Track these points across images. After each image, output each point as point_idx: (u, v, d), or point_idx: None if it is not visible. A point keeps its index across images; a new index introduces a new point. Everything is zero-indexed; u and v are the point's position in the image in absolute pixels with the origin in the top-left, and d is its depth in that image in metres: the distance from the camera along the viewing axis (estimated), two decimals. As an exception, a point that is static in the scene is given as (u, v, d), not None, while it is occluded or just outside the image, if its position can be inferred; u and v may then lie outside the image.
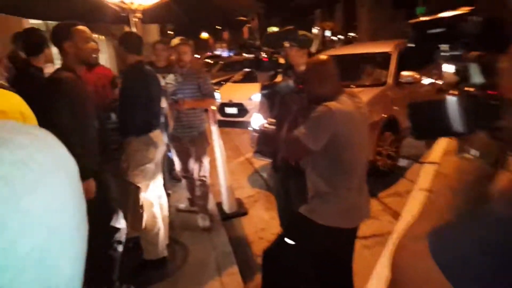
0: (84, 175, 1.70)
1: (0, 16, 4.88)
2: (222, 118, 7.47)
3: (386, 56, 5.20)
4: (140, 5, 3.62)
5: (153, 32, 8.73)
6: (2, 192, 0.30)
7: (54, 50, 2.45)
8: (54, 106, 2.10)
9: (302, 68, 2.17)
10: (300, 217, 1.89)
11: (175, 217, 3.69)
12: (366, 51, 5.89)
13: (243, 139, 6.35)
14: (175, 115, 3.49)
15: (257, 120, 4.87)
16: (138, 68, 2.78)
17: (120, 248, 2.46)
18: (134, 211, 2.81)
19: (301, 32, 2.49)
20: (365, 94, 4.19)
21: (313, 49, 2.94)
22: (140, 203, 2.78)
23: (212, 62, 15.22)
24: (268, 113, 2.65)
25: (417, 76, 4.95)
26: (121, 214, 2.45)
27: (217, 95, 5.33)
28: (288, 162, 2.22)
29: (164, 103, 3.32)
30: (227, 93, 8.28)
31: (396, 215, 3.72)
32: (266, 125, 4.69)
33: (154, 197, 2.86)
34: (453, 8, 0.77)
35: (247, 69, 8.55)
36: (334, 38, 25.16)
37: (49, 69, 2.80)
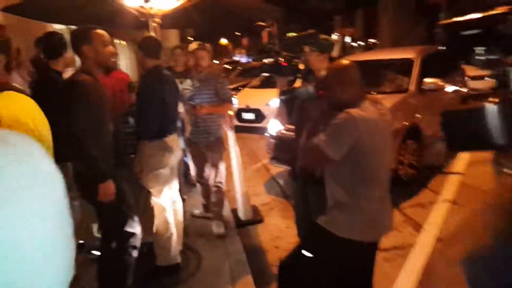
0: (101, 178, 1.66)
1: (25, 21, 5.03)
2: (239, 124, 7.46)
3: (408, 63, 5.07)
4: (159, 10, 3.65)
5: (173, 38, 8.84)
6: None
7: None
8: (71, 109, 2.10)
9: (323, 73, 2.10)
10: (318, 228, 1.81)
11: (189, 223, 3.66)
12: (388, 57, 5.77)
13: (260, 145, 6.29)
14: (192, 120, 3.47)
15: (274, 126, 4.81)
16: (155, 73, 2.77)
17: (134, 253, 2.43)
18: (144, 215, 2.79)
19: (322, 36, 2.43)
20: (387, 101, 4.08)
21: (334, 53, 2.87)
22: (151, 208, 2.76)
23: (230, 67, 15.29)
24: (287, 119, 2.58)
25: (441, 83, 4.81)
26: (136, 219, 2.43)
27: (234, 100, 5.31)
28: (307, 170, 2.15)
29: (181, 108, 3.30)
30: (244, 98, 8.27)
31: (418, 226, 3.58)
32: (283, 131, 4.65)
33: (167, 202, 2.84)
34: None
35: (265, 74, 8.52)
36: (354, 44, 24.96)
37: (69, 74, 2.82)
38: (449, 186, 4.42)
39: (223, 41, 29.10)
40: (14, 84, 1.21)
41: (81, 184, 2.31)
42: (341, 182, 1.79)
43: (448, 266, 2.94)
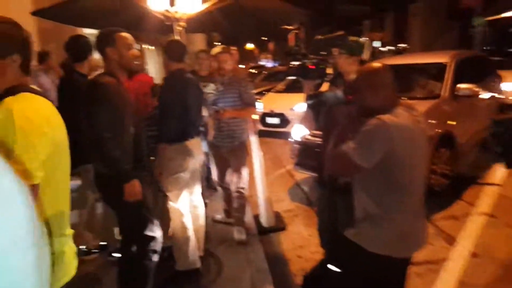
0: (125, 178, 1.62)
1: (58, 26, 5.17)
2: (263, 128, 7.40)
3: (441, 67, 4.83)
4: (184, 14, 3.64)
5: (199, 42, 8.91)
6: None
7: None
8: (93, 110, 2.10)
9: (353, 76, 1.99)
10: (346, 241, 1.69)
11: (211, 228, 3.60)
12: (420, 61, 5.54)
13: (284, 150, 6.19)
14: (215, 124, 3.43)
15: (298, 131, 4.70)
16: (177, 76, 2.75)
17: (155, 257, 2.40)
18: (165, 219, 2.75)
19: (351, 38, 2.32)
20: (418, 107, 3.89)
21: (365, 56, 2.74)
22: (168, 211, 2.72)
23: (256, 72, 15.29)
24: (313, 125, 2.48)
25: (476, 89, 4.55)
26: (156, 223, 2.39)
27: (259, 104, 5.24)
28: (334, 178, 2.03)
29: (205, 112, 3.27)
30: (269, 102, 8.25)
31: (451, 240, 3.37)
32: (308, 137, 4.53)
33: (185, 207, 2.79)
34: None
35: (290, 78, 8.44)
36: (383, 49, 24.42)
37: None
38: (486, 198, 4.16)
39: (249, 45, 29.25)
40: (32, 86, 1.18)
41: (101, 186, 2.30)
42: (371, 192, 1.66)
43: (484, 283, 2.73)
